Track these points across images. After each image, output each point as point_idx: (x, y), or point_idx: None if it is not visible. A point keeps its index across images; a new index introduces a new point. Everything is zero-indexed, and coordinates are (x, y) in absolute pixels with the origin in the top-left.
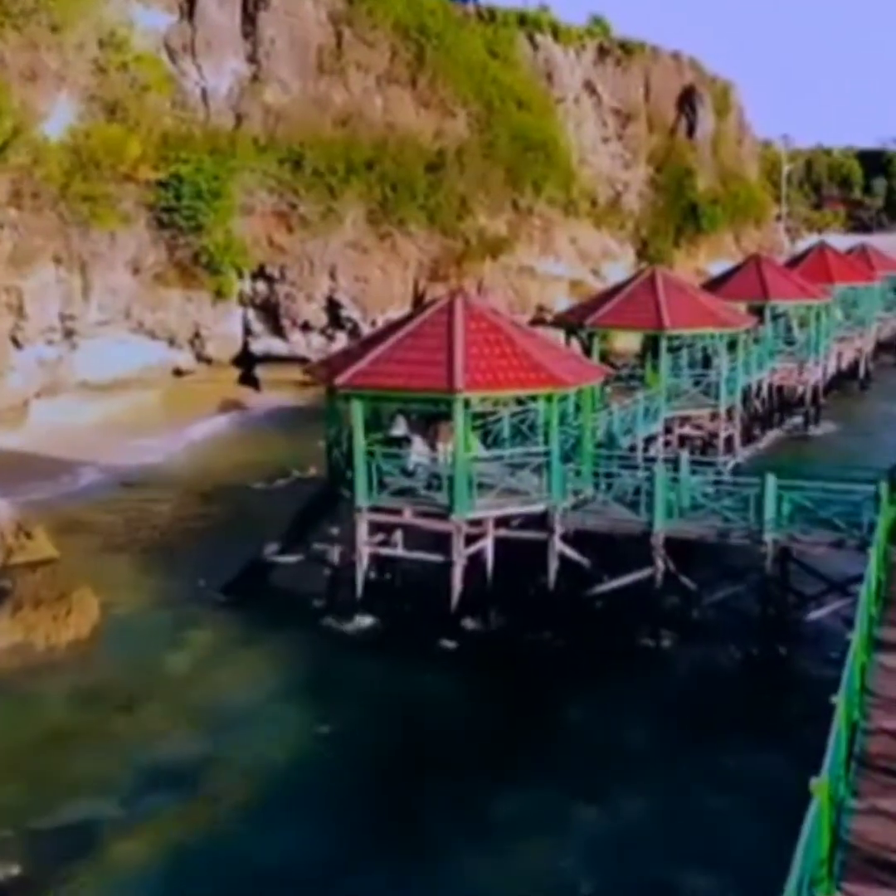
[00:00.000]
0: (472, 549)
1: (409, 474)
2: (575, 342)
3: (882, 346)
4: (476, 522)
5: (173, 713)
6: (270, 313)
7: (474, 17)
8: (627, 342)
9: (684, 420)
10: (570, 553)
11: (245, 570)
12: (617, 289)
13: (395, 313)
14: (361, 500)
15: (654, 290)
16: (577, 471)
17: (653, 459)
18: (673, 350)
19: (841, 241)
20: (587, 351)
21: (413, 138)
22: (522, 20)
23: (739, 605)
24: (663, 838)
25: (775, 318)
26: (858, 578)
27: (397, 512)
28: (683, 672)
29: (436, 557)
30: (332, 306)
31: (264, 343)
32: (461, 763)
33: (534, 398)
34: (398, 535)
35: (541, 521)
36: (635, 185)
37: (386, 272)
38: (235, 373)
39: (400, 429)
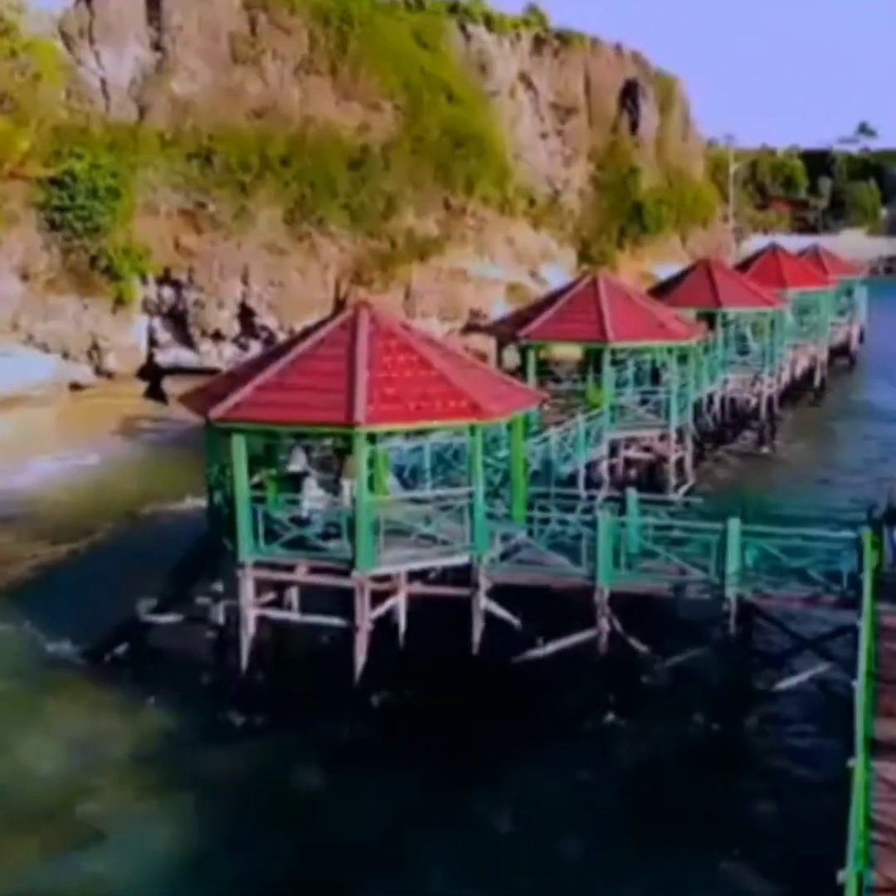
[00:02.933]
0: (381, 609)
1: (302, 522)
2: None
3: (836, 353)
4: (385, 578)
5: (9, 821)
6: (178, 322)
7: (401, 4)
8: (569, 348)
9: (631, 441)
10: (498, 612)
11: (114, 632)
12: (556, 296)
13: (316, 321)
14: (245, 554)
15: (597, 298)
16: (506, 513)
17: (594, 498)
18: (617, 363)
19: (788, 241)
20: (522, 366)
21: (334, 132)
22: (453, 8)
23: (698, 671)
24: None
25: (727, 325)
26: (834, 636)
27: (290, 568)
28: (630, 756)
29: (336, 621)
30: (246, 313)
31: (172, 354)
32: (357, 887)
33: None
34: (294, 593)
35: (463, 574)
36: (576, 183)
37: (304, 276)
38: (141, 387)
39: (298, 463)
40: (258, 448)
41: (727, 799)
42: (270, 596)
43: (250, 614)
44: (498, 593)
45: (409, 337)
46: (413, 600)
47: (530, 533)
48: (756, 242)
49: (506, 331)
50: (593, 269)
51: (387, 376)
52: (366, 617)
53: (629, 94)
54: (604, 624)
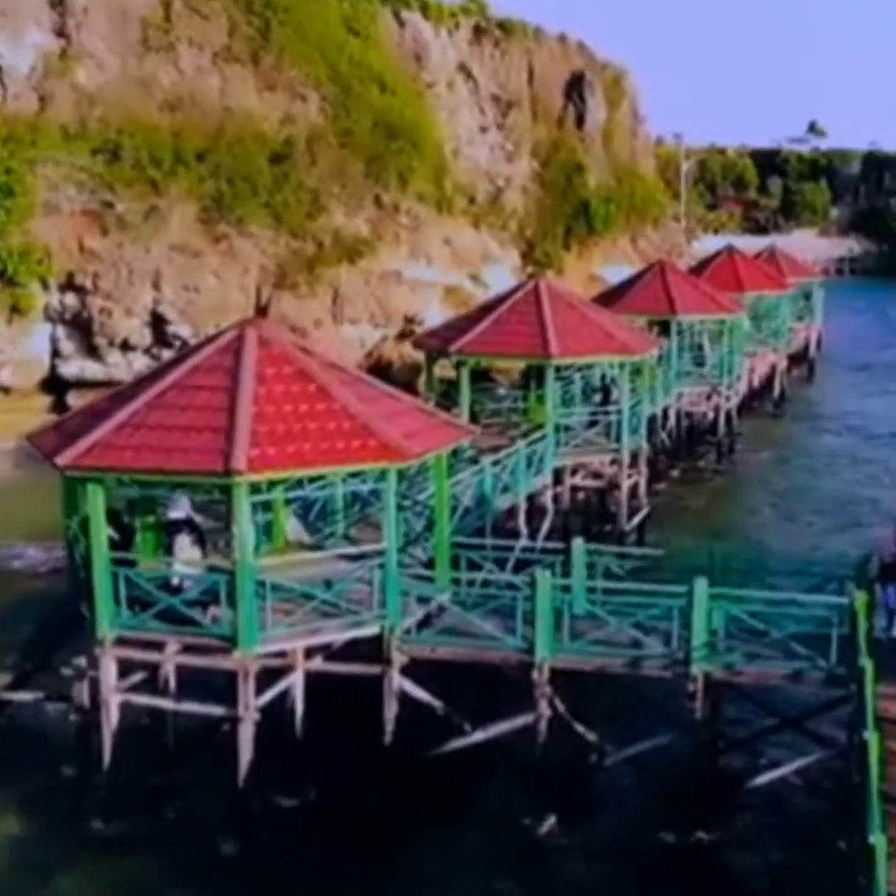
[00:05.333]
0: (272, 693)
1: (174, 590)
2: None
3: (794, 359)
4: (278, 652)
5: None
6: (83, 331)
7: None
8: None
9: (578, 467)
10: (416, 692)
11: None
12: (494, 304)
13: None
14: (104, 628)
15: (539, 306)
16: (426, 563)
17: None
18: (563, 378)
19: (742, 242)
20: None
21: (255, 125)
22: None
23: (658, 764)
24: None
25: (682, 333)
26: (810, 715)
27: (159, 645)
28: (575, 871)
29: (217, 710)
30: (157, 321)
31: (76, 365)
32: None
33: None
34: (170, 672)
35: (374, 647)
36: (518, 180)
37: (221, 280)
38: (44, 401)
39: (180, 510)
40: (130, 491)
41: None
42: (141, 675)
43: (112, 700)
44: (415, 670)
45: (306, 362)
46: (313, 680)
47: (456, 593)
48: (707, 243)
49: (436, 344)
50: (538, 272)
51: (277, 411)
52: (251, 706)
53: (575, 86)
54: (543, 707)
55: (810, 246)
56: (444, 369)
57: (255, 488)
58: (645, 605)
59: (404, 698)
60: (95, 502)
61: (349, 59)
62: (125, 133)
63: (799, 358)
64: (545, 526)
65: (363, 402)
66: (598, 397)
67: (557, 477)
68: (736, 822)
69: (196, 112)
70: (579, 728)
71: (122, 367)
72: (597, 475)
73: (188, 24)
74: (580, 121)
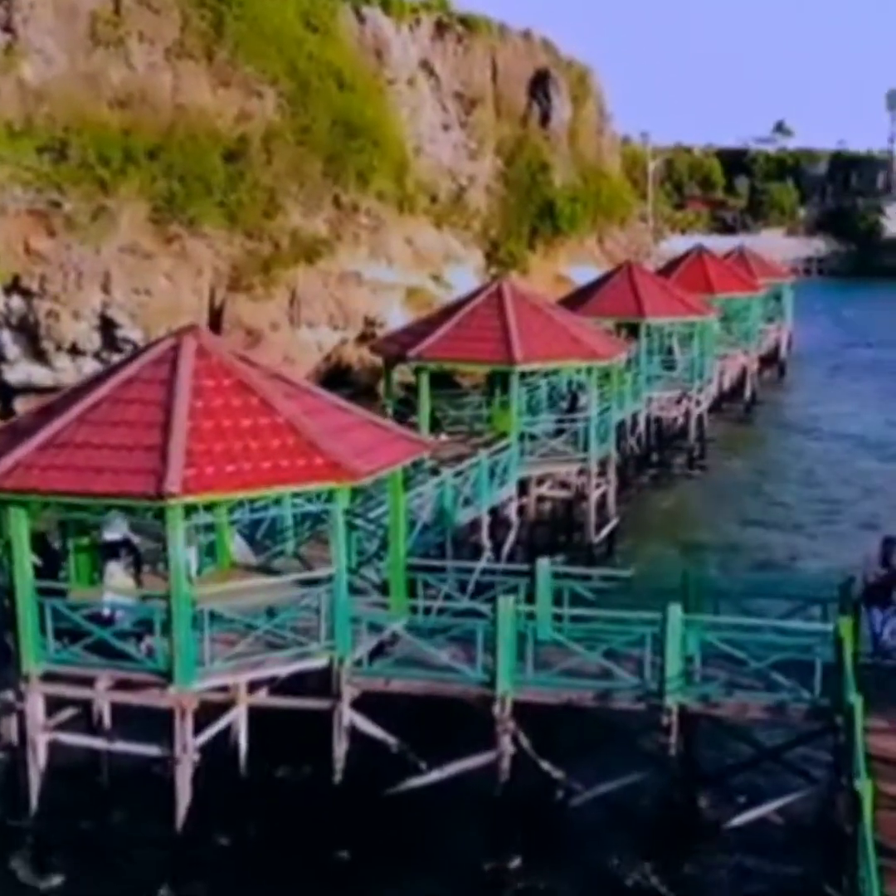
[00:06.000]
0: (213, 730)
1: (106, 620)
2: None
3: (764, 362)
4: (221, 687)
5: None
6: (29, 335)
7: None
8: None
9: (545, 476)
10: (368, 728)
11: None
12: (455, 307)
13: None
14: (30, 662)
15: (502, 309)
16: (381, 592)
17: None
18: (529, 384)
19: (710, 242)
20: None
21: (209, 122)
22: None
23: (630, 803)
24: None
25: (651, 336)
26: (792, 747)
27: (89, 680)
28: None
29: (150, 750)
30: (107, 325)
31: (23, 371)
32: None
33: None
34: (104, 707)
35: (323, 679)
36: (482, 179)
37: (173, 282)
38: None
39: (116, 531)
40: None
41: None
42: (72, 711)
43: (40, 739)
44: (368, 703)
45: (248, 373)
46: (258, 714)
47: (412, 619)
48: (675, 243)
49: (394, 349)
50: (503, 272)
51: (215, 427)
52: (189, 746)
53: (539, 84)
54: (506, 743)
55: (777, 246)
56: (405, 375)
57: (191, 511)
58: (615, 633)
59: (356, 734)
60: (18, 527)
61: (307, 55)
62: (73, 131)
63: (769, 360)
64: (510, 540)
65: (310, 415)
66: (565, 404)
67: (523, 488)
68: (713, 865)
69: (147, 109)
70: (545, 765)
71: (71, 372)
72: (564, 485)
73: (139, 18)
74: (545, 119)
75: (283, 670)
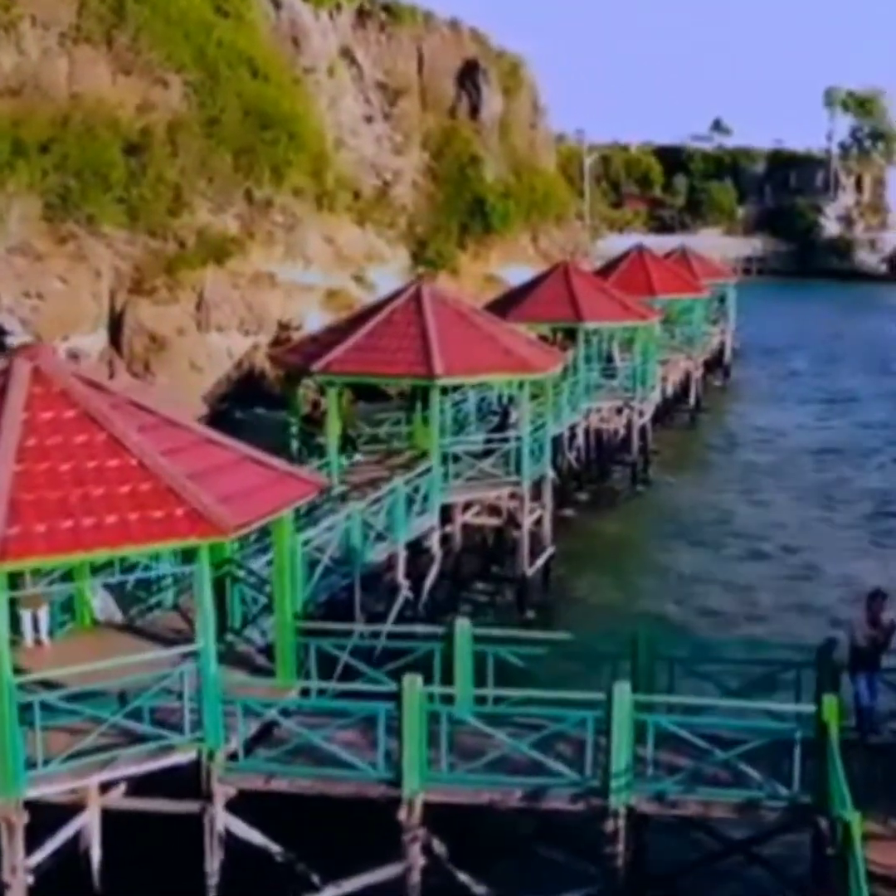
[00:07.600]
0: (52, 845)
1: None
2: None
3: (708, 366)
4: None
5: None
6: None
7: None
8: None
9: (472, 502)
10: (247, 835)
11: None
12: (369, 312)
13: (84, 339)
14: None
15: (421, 315)
16: (267, 657)
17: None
18: (453, 399)
19: (649, 241)
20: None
21: (108, 112)
22: None
23: None
24: None
25: (589, 342)
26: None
27: None
28: None
29: None
30: None
31: None
32: None
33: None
34: None
35: (191, 779)
36: (408, 174)
37: (69, 285)
38: None
39: None
40: None
41: None
42: None
43: None
44: (246, 806)
45: (96, 402)
46: (113, 819)
47: (303, 697)
48: (612, 242)
49: (298, 361)
50: (430, 272)
51: (51, 471)
52: (19, 868)
53: (468, 75)
54: (415, 853)
55: (716, 245)
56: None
57: (15, 578)
58: (549, 718)
59: (233, 841)
60: None
61: (217, 42)
62: None
63: (713, 364)
64: (431, 577)
65: (171, 454)
66: (496, 419)
67: (446, 515)
68: None
69: (40, 98)
70: (464, 878)
71: None
72: (494, 511)
73: (32, 1)
74: (474, 111)
75: (138, 769)
